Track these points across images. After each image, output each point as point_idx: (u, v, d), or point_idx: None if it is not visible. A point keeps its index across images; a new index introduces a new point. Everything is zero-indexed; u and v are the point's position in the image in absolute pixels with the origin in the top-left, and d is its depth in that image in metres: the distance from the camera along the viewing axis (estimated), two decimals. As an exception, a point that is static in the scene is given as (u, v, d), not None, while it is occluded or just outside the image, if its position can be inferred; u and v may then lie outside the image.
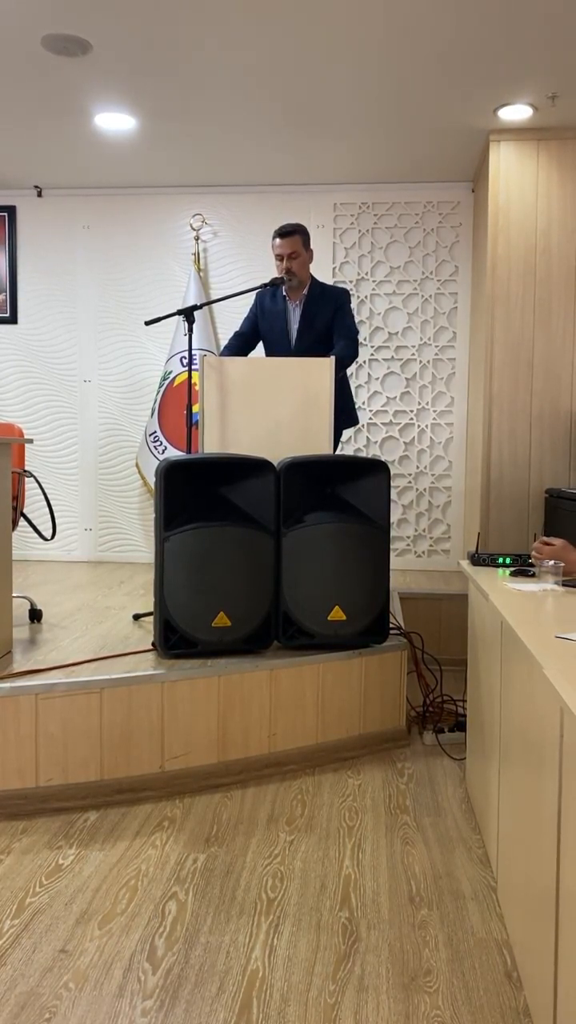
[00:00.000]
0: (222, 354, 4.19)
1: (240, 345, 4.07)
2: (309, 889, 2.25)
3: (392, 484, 5.30)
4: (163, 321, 3.91)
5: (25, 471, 3.64)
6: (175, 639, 3.03)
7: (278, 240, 3.86)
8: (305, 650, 3.16)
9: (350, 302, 3.99)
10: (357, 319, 5.19)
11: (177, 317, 4.00)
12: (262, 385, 3.44)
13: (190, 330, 3.65)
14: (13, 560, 3.21)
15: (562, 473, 4.49)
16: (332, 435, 3.50)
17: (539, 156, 4.42)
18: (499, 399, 4.50)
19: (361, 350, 5.26)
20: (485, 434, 4.53)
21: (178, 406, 5.20)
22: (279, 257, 3.87)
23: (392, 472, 5.33)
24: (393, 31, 3.39)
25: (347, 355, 3.79)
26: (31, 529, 3.94)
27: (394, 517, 5.40)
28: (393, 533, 5.39)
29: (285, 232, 3.85)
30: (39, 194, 5.56)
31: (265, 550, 3.10)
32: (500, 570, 2.68)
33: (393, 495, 5.38)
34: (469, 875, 2.34)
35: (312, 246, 4.01)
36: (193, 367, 4.44)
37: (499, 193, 4.45)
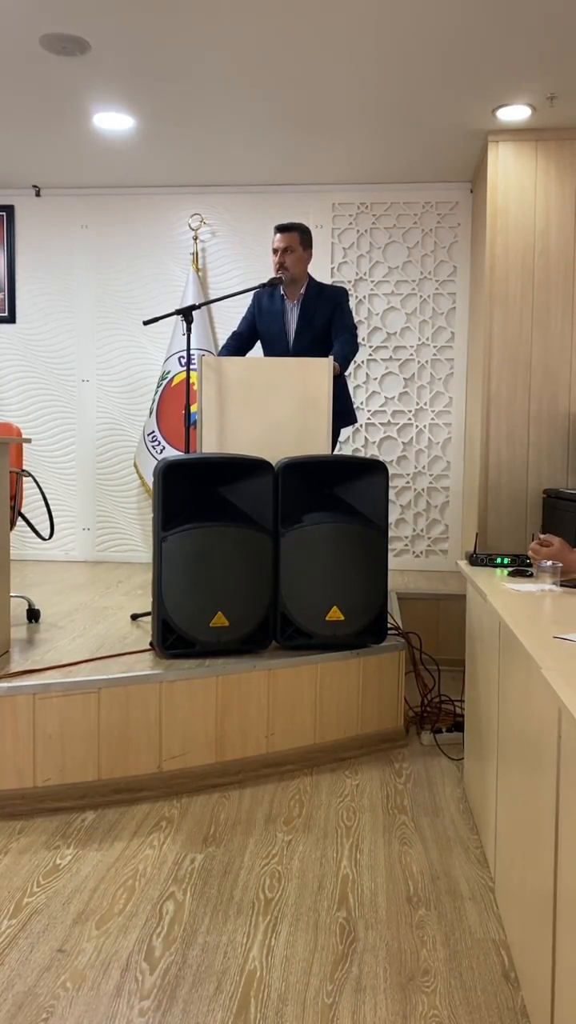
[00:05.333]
0: (220, 354, 4.19)
1: (238, 345, 4.07)
2: (307, 889, 2.25)
3: (390, 484, 5.31)
4: (161, 321, 3.90)
5: (23, 471, 3.64)
6: (173, 639, 3.03)
7: (276, 235, 3.89)
8: (303, 650, 3.16)
9: (348, 301, 3.99)
10: (356, 319, 5.19)
11: (175, 317, 4.00)
12: (260, 385, 3.44)
13: (188, 330, 3.65)
14: (11, 560, 3.21)
15: (560, 474, 4.49)
16: (330, 435, 3.50)
17: (538, 157, 4.42)
18: (497, 399, 4.51)
19: (359, 350, 5.26)
20: (483, 434, 4.53)
21: (176, 406, 5.20)
22: (275, 251, 3.88)
23: (390, 472, 5.32)
24: (392, 31, 3.39)
25: (348, 351, 3.79)
26: (29, 529, 3.94)
27: (392, 517, 5.40)
28: (391, 533, 5.39)
29: (283, 227, 3.89)
30: (37, 194, 5.56)
31: (263, 550, 3.10)
32: (498, 570, 2.68)
33: (391, 495, 5.38)
34: (467, 875, 2.34)
35: (312, 247, 4.00)
36: (191, 367, 4.44)
37: (497, 194, 4.45)
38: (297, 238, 3.88)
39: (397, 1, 3.18)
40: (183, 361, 5.22)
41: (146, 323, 3.69)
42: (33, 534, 4.30)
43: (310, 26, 3.36)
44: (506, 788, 2.09)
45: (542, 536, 2.59)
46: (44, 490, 4.22)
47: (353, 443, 5.45)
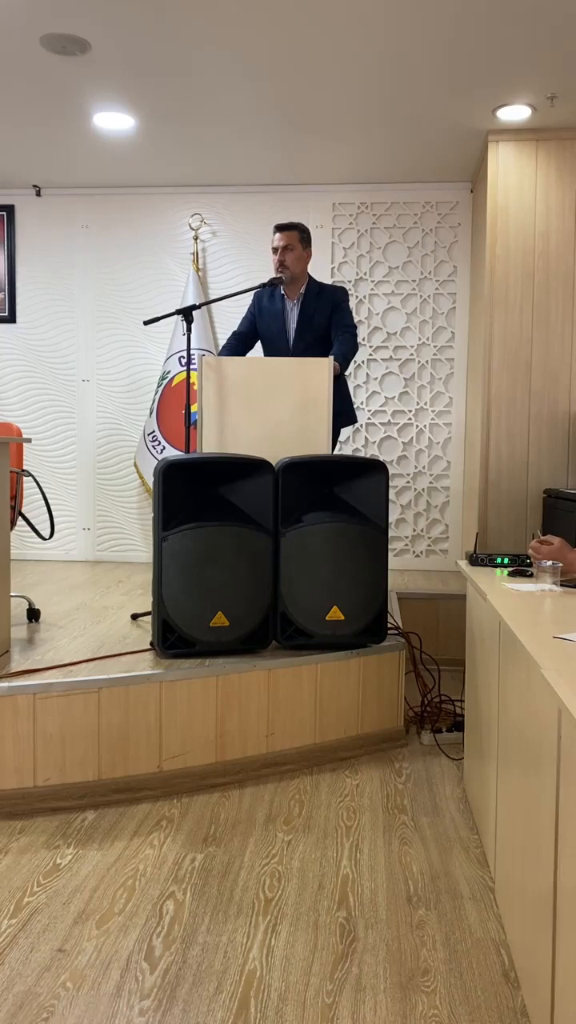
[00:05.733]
0: (220, 354, 4.19)
1: (238, 345, 4.08)
2: (307, 889, 2.25)
3: (390, 484, 5.31)
4: (161, 321, 3.91)
5: (23, 471, 3.64)
6: (173, 639, 3.03)
7: (276, 234, 3.90)
8: (303, 650, 3.16)
9: (348, 300, 3.99)
10: (356, 319, 5.19)
11: (176, 317, 4.00)
12: (260, 385, 3.44)
13: (188, 330, 3.65)
14: (11, 559, 3.21)
15: (560, 474, 4.49)
16: (330, 435, 3.50)
17: (538, 157, 4.42)
18: (497, 399, 4.51)
19: (360, 350, 5.26)
20: (483, 434, 4.53)
21: (176, 406, 5.20)
22: (275, 250, 3.89)
23: (390, 472, 5.33)
24: (392, 31, 3.39)
25: (348, 351, 3.80)
26: (29, 529, 3.94)
27: (392, 517, 5.41)
28: (391, 533, 5.39)
29: (283, 226, 3.91)
30: (38, 193, 5.56)
31: (263, 550, 3.10)
32: (498, 570, 2.68)
33: (391, 495, 5.38)
34: (467, 875, 2.34)
35: (311, 246, 4.01)
36: (191, 367, 4.44)
37: (498, 194, 4.45)
38: (297, 237, 3.89)
39: (398, 1, 3.17)
40: (183, 361, 5.22)
41: (146, 323, 3.68)
42: (33, 534, 4.30)
43: (310, 26, 3.36)
44: (506, 788, 2.09)
45: (542, 536, 2.59)
46: (44, 490, 4.22)
47: (353, 443, 5.45)
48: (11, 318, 5.64)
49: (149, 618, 3.49)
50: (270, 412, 3.44)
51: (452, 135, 4.49)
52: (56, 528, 5.60)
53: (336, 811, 2.73)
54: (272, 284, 3.87)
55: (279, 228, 3.90)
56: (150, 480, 5.13)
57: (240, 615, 3.06)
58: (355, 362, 5.33)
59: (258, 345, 4.13)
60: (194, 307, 3.71)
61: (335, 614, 3.15)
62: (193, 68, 3.74)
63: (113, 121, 4.37)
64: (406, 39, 3.46)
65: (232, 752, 2.97)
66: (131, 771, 2.81)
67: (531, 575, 2.56)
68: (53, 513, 5.46)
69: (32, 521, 3.92)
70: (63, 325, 5.63)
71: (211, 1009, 1.77)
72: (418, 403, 5.39)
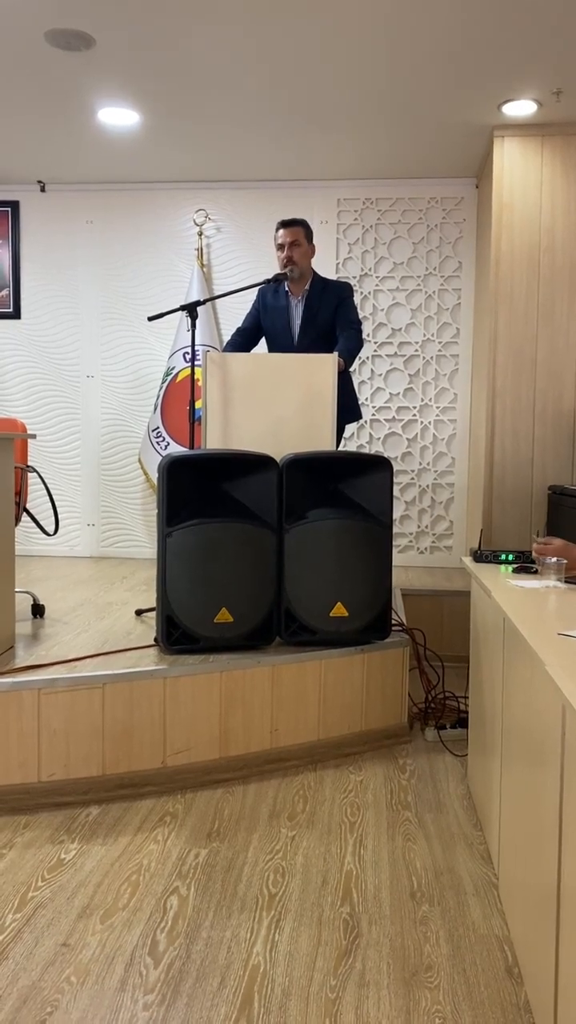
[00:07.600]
0: (225, 350, 4.19)
1: (243, 341, 4.07)
2: (310, 884, 2.26)
3: (395, 480, 5.30)
4: (166, 317, 3.90)
5: (28, 466, 3.65)
6: (177, 635, 3.03)
7: (281, 231, 3.89)
8: (307, 646, 3.16)
9: (353, 296, 3.99)
10: (360, 315, 5.18)
11: (180, 313, 4.00)
12: (265, 381, 3.44)
13: (193, 326, 3.64)
14: (16, 555, 3.21)
15: (565, 470, 4.48)
16: (335, 431, 3.49)
17: (543, 152, 4.41)
18: (502, 396, 4.50)
19: (364, 346, 5.25)
20: (488, 431, 4.52)
21: (181, 402, 5.20)
22: (280, 247, 3.89)
23: (395, 468, 5.32)
24: (397, 26, 3.38)
25: (352, 346, 3.79)
26: (34, 524, 3.95)
27: (396, 513, 5.40)
28: (395, 529, 5.39)
29: (288, 222, 3.90)
30: (42, 189, 5.55)
31: (267, 546, 3.10)
32: (503, 567, 2.68)
33: (396, 491, 5.37)
34: (470, 871, 2.35)
35: (315, 242, 4.01)
36: (196, 363, 4.44)
37: (503, 189, 4.44)
38: (303, 232, 3.88)
39: (403, -4, 3.17)
40: (187, 357, 5.21)
41: (151, 319, 3.68)
42: (38, 530, 4.30)
43: (316, 21, 3.35)
44: (510, 784, 2.09)
45: (541, 539, 2.59)
46: (49, 486, 4.22)
47: (358, 439, 5.45)
48: (16, 314, 5.64)
49: (153, 614, 3.49)
50: (274, 408, 3.44)
51: (457, 130, 4.48)
52: (60, 524, 5.61)
53: (340, 807, 2.74)
54: (277, 280, 3.87)
55: (284, 224, 3.89)
56: (154, 476, 5.13)
57: (244, 611, 3.06)
58: (360, 358, 5.32)
59: (262, 341, 4.13)
60: (198, 303, 3.70)
61: (339, 610, 3.15)
62: (197, 64, 3.74)
63: (117, 117, 4.36)
64: (411, 34, 3.44)
65: (236, 748, 2.97)
66: (135, 767, 2.81)
67: (535, 572, 2.55)
68: (58, 509, 5.47)
69: (37, 517, 3.92)
70: (67, 321, 5.63)
71: (215, 1004, 1.78)
72: (423, 399, 5.38)
